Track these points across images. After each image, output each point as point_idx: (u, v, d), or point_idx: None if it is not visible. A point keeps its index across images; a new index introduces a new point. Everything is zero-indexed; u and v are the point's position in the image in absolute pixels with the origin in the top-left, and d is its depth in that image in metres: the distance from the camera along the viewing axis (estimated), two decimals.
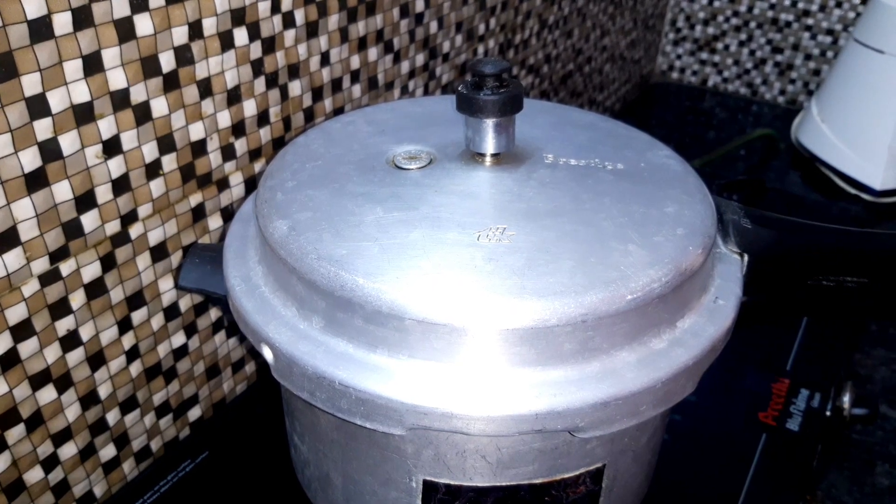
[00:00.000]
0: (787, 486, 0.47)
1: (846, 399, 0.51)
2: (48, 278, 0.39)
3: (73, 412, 0.43)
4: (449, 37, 0.64)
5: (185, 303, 0.48)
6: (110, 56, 0.38)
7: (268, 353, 0.32)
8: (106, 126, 0.39)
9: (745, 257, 0.37)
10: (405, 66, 0.60)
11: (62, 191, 0.38)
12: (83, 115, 0.38)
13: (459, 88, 0.36)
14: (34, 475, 0.42)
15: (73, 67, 0.37)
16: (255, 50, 0.47)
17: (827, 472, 0.52)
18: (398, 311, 0.29)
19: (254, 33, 0.46)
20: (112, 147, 0.40)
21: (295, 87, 0.51)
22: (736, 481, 0.47)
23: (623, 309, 0.30)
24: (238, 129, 0.47)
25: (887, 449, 0.54)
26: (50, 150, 0.37)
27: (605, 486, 0.35)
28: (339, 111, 0.55)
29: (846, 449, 0.53)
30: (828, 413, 0.51)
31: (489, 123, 0.36)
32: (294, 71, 0.50)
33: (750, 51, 1.07)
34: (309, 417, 0.36)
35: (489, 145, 0.36)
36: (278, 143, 0.51)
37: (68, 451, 0.44)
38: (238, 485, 0.46)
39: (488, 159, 0.37)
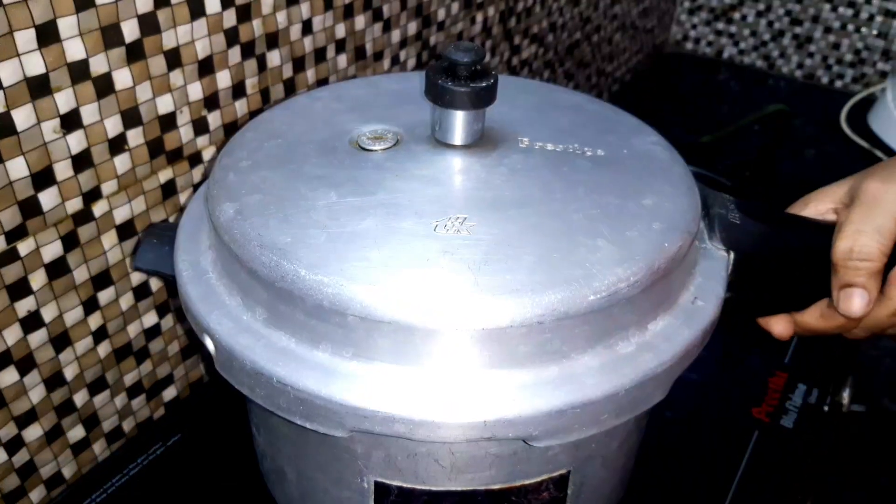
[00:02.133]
0: (778, 486, 0.44)
1: (845, 394, 0.49)
2: (5, 258, 0.38)
3: (37, 394, 0.42)
4: (444, 3, 0.61)
5: (155, 282, 0.47)
6: (66, 25, 0.36)
7: (210, 345, 0.31)
8: (64, 99, 0.38)
9: (732, 254, 0.34)
10: (396, 35, 0.57)
11: (17, 167, 0.37)
12: (38, 87, 0.36)
13: (427, 71, 0.33)
14: None
15: (26, 38, 0.35)
16: (229, 18, 0.44)
17: (824, 470, 0.49)
18: (340, 307, 0.27)
19: (227, 0, 0.44)
20: (71, 121, 0.38)
21: (274, 58, 0.48)
22: (725, 480, 0.45)
23: (585, 310, 0.28)
24: (211, 101, 0.45)
25: (887, 446, 0.51)
26: (2, 126, 0.36)
27: (571, 493, 0.34)
28: (322, 82, 0.53)
29: (844, 447, 0.51)
30: (825, 409, 0.49)
31: (458, 115, 0.33)
32: (272, 40, 0.48)
33: (768, 21, 1.02)
34: (263, 410, 0.35)
35: (456, 137, 0.34)
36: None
37: (33, 432, 0.43)
38: (208, 469, 0.45)
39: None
